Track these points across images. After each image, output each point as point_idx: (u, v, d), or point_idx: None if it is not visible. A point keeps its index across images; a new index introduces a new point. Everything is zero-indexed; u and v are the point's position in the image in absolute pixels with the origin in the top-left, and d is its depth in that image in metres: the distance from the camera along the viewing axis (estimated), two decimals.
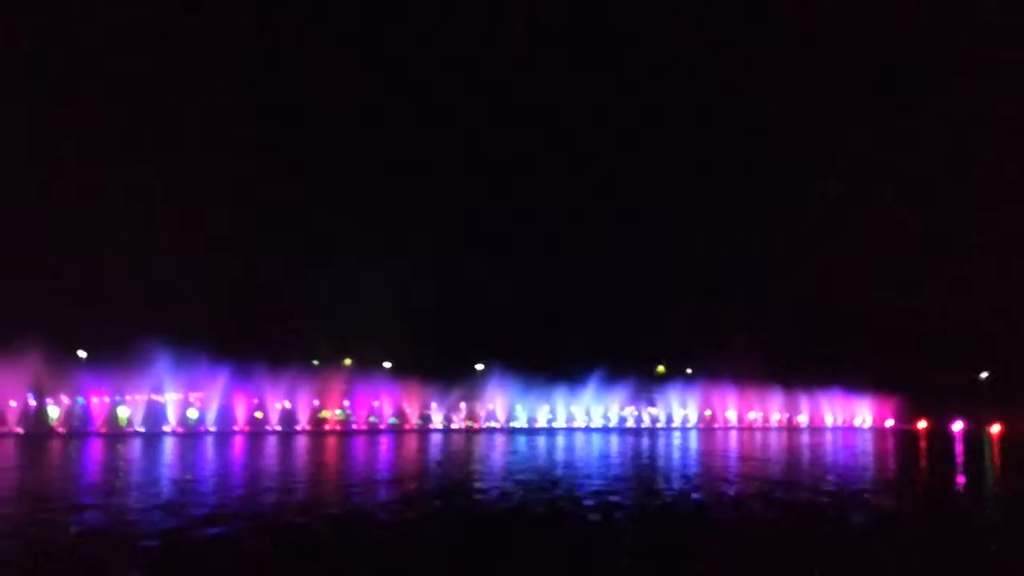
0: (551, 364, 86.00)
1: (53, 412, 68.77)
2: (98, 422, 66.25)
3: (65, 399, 72.66)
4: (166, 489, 28.37)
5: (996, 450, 61.11)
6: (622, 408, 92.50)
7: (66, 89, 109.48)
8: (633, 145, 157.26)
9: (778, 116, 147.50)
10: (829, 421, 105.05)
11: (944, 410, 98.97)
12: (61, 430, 65.15)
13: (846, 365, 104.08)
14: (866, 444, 65.94)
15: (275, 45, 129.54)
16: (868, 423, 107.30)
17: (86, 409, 69.64)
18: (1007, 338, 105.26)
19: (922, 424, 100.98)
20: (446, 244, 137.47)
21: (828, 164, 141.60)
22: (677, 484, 31.38)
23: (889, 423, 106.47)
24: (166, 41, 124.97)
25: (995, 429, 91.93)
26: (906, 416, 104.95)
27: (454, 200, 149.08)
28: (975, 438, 79.41)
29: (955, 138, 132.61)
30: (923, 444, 68.28)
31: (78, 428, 66.73)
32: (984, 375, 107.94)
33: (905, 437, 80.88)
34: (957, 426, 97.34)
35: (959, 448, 62.52)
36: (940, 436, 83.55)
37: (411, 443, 58.93)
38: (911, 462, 48.27)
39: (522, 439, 63.81)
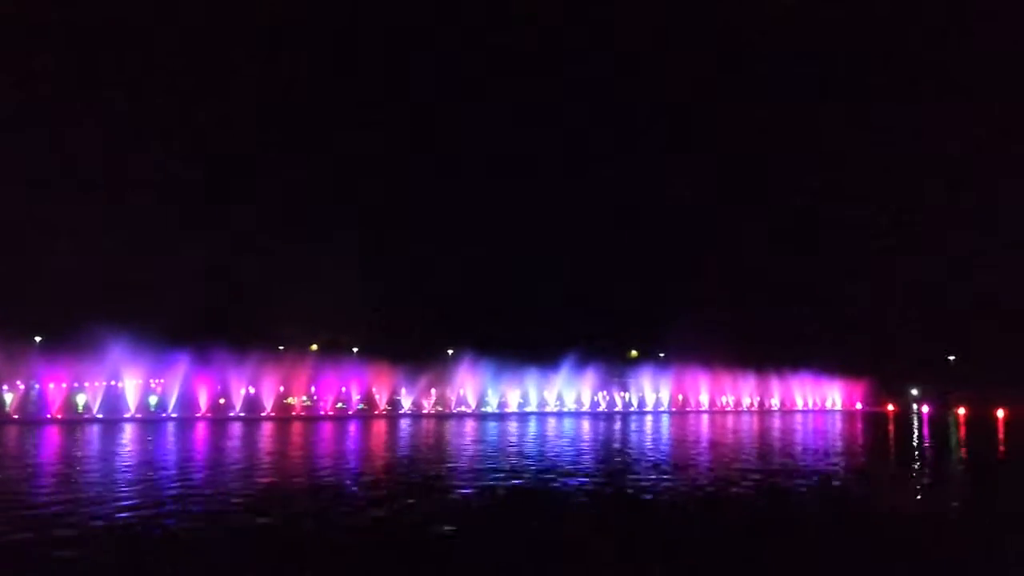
0: (522, 348, 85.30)
1: (7, 398, 66.54)
2: (54, 408, 64.15)
3: (20, 385, 70.39)
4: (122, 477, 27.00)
5: (961, 431, 61.75)
6: (594, 392, 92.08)
7: (41, 76, 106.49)
8: (619, 137, 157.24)
9: (765, 108, 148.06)
10: (800, 404, 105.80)
11: (912, 393, 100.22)
12: (15, 416, 62.96)
13: (816, 348, 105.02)
14: (835, 426, 66.37)
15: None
16: (838, 406, 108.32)
17: (42, 395, 67.51)
18: (974, 321, 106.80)
19: (890, 407, 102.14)
20: (416, 228, 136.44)
21: (805, 154, 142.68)
22: (660, 469, 30.68)
23: (858, 406, 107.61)
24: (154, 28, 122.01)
25: (961, 411, 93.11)
26: (875, 399, 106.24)
27: (425, 184, 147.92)
28: (941, 420, 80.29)
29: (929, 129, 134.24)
30: (891, 426, 68.90)
31: (34, 414, 64.60)
32: (951, 358, 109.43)
33: (873, 419, 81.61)
34: (924, 408, 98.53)
35: (925, 430, 63.36)
36: (907, 418, 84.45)
37: (379, 429, 57.89)
38: (877, 443, 48.43)
39: (493, 424, 63.00)
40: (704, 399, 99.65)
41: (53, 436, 48.31)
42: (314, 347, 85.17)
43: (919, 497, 25.21)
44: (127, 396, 66.45)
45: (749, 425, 67.15)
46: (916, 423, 75.29)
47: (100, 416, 63.41)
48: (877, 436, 55.38)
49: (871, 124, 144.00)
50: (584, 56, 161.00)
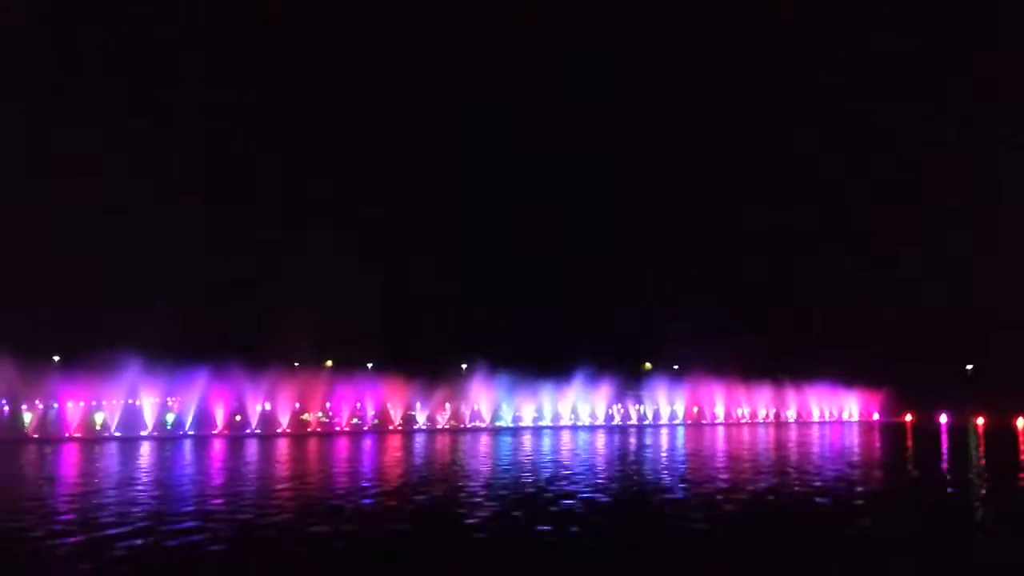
0: (536, 362, 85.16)
1: (27, 418, 67.08)
2: (73, 427, 64.64)
3: (39, 404, 70.96)
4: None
5: (980, 443, 61.00)
6: (609, 405, 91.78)
7: (48, 88, 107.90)
8: (629, 144, 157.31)
9: (775, 115, 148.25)
10: (816, 415, 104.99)
11: (930, 403, 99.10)
12: (35, 436, 63.50)
13: (831, 359, 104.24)
14: (853, 439, 65.74)
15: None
16: (855, 417, 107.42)
17: (60, 414, 68.01)
18: (993, 331, 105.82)
19: (908, 417, 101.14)
20: (430, 242, 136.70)
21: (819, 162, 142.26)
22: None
23: (875, 417, 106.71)
24: (153, 34, 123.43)
25: (980, 422, 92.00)
26: (892, 409, 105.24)
27: (438, 197, 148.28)
28: (961, 431, 79.32)
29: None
30: (910, 438, 68.13)
31: (53, 433, 65.10)
32: (969, 368, 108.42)
33: (891, 430, 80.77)
34: (943, 419, 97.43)
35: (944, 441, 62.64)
36: (926, 429, 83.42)
37: (394, 444, 57.91)
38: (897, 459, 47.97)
39: (508, 438, 62.89)
40: (719, 411, 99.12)
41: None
42: (329, 363, 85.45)
43: None
44: (144, 414, 66.89)
45: (779, 438, 66.59)
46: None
47: (118, 434, 63.84)
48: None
49: (875, 130, 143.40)
50: (580, 76, 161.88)
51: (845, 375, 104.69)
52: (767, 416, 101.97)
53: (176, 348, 65.79)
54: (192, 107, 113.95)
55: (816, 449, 52.60)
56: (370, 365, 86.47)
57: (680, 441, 62.02)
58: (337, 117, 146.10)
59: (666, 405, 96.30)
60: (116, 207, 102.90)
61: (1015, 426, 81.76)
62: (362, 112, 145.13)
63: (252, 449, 52.69)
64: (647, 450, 51.53)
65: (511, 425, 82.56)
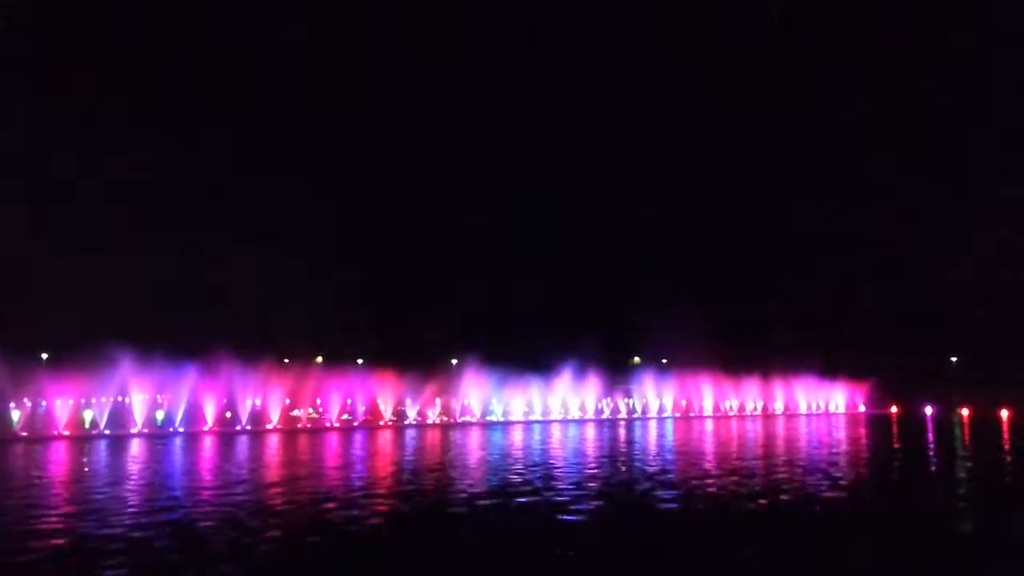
0: (526, 357, 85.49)
1: (15, 416, 66.59)
2: (62, 425, 64.38)
3: (27, 402, 70.54)
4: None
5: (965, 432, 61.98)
6: (598, 399, 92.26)
7: (44, 86, 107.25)
8: (629, 148, 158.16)
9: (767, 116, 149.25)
10: (803, 408, 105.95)
11: (915, 395, 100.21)
12: (23, 434, 63.17)
13: (817, 350, 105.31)
14: (838, 431, 66.61)
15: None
16: (841, 409, 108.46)
17: (49, 412, 67.65)
18: (977, 323, 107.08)
19: (893, 409, 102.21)
20: (419, 238, 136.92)
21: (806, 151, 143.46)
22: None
23: (861, 408, 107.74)
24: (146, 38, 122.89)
25: (964, 412, 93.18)
26: (878, 401, 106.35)
27: (429, 195, 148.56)
28: (945, 421, 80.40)
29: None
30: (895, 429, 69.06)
31: (41, 432, 64.77)
32: (954, 359, 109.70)
33: (877, 422, 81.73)
34: (928, 410, 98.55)
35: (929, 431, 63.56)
36: (911, 420, 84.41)
37: (385, 439, 58.19)
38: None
39: (498, 433, 63.31)
40: (707, 404, 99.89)
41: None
42: (319, 359, 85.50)
43: None
44: (134, 411, 66.69)
45: (768, 431, 67.29)
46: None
47: (107, 432, 63.65)
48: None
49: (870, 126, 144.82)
50: (576, 66, 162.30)
51: (830, 367, 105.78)
52: (754, 409, 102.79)
53: (166, 344, 65.64)
54: (193, 107, 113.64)
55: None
56: (360, 361, 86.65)
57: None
58: (336, 119, 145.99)
59: (655, 399, 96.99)
60: (105, 205, 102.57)
61: (999, 417, 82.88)
62: (360, 112, 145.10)
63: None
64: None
65: (501, 419, 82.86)
